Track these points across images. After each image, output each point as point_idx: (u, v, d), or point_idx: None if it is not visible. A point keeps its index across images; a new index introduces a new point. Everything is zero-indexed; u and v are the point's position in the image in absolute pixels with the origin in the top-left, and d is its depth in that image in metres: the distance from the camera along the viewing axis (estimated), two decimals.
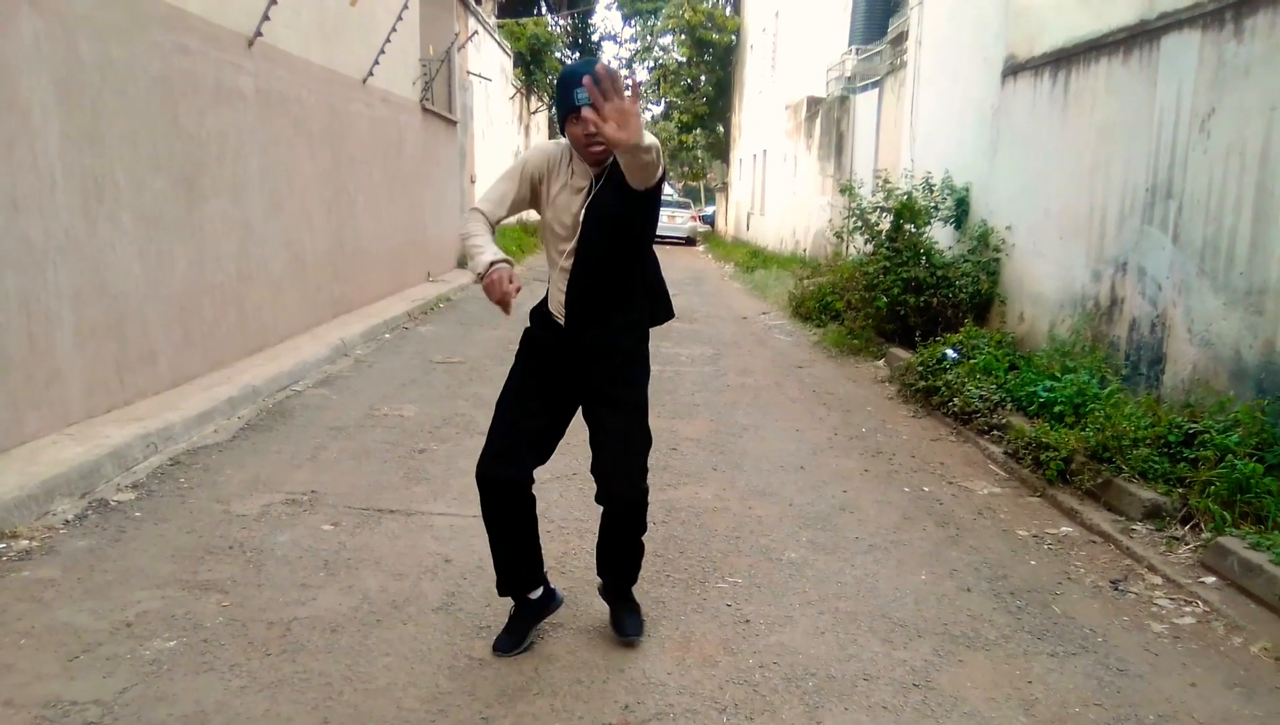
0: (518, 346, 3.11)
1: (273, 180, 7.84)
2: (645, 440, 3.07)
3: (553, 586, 3.27)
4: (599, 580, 3.33)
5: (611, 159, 2.78)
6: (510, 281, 2.69)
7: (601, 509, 3.11)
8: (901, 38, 11.88)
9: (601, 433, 3.01)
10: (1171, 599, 3.75)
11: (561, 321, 2.97)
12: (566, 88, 2.76)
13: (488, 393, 6.95)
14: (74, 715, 2.67)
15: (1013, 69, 7.89)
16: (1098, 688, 3.05)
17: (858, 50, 14.92)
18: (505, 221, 3.03)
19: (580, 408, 3.08)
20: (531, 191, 2.95)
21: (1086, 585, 3.88)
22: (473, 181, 17.63)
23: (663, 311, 3.21)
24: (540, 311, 3.08)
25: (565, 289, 2.94)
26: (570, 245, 2.89)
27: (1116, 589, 3.84)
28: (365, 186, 10.48)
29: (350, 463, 5.16)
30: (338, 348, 8.19)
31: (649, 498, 3.13)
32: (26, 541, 3.87)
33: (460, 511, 4.44)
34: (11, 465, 4.37)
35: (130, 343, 5.67)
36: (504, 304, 2.72)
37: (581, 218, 2.86)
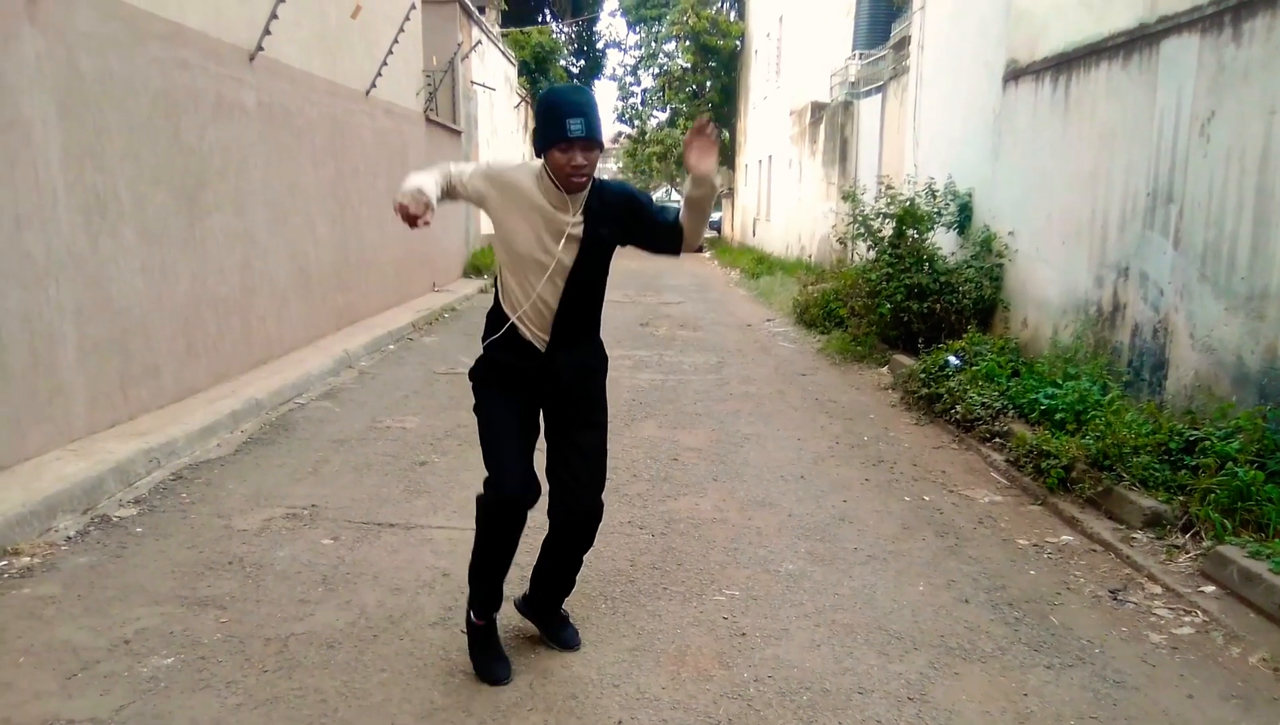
0: (479, 373, 3.03)
1: (276, 193, 7.88)
2: (605, 455, 3.13)
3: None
4: (518, 597, 3.35)
5: (589, 189, 2.83)
6: (417, 207, 2.66)
7: (551, 524, 3.07)
8: (904, 42, 11.88)
9: (575, 453, 3.02)
10: (1170, 609, 3.73)
11: (540, 347, 2.95)
12: (555, 114, 2.71)
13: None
14: None
15: (1014, 74, 7.88)
16: (1094, 700, 3.04)
17: (861, 55, 14.94)
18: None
19: (546, 428, 3.08)
20: (489, 195, 2.88)
21: (1085, 595, 3.86)
22: None
23: None
24: (508, 339, 2.96)
25: (553, 316, 2.91)
26: (549, 273, 2.85)
27: (1115, 599, 3.82)
28: (369, 197, 10.53)
29: (351, 476, 5.17)
30: (341, 359, 8.22)
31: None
32: (28, 558, 3.89)
33: (459, 524, 4.45)
34: (14, 481, 4.40)
35: (133, 357, 5.70)
36: (409, 221, 2.69)
37: (577, 251, 2.86)
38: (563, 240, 2.83)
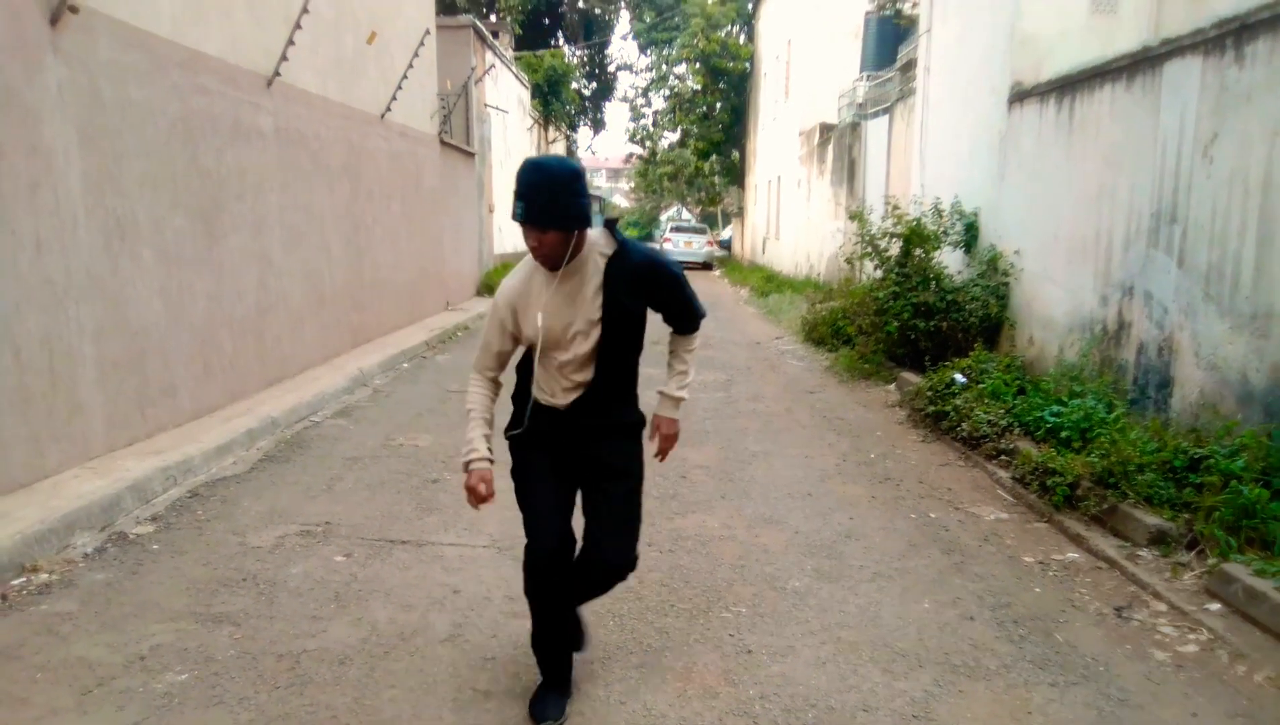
0: (512, 434, 3.01)
1: (292, 215, 8.00)
2: (640, 511, 3.05)
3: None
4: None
5: (612, 257, 2.79)
6: (486, 489, 2.87)
7: (577, 564, 2.99)
8: (911, 65, 11.97)
9: (604, 504, 2.95)
10: (1175, 626, 3.75)
11: (564, 411, 2.91)
12: (515, 192, 2.69)
13: (502, 422, 7.04)
14: None
15: (1019, 95, 7.95)
16: (1097, 718, 3.06)
17: (869, 77, 15.03)
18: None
19: (581, 486, 3.03)
20: (513, 336, 2.91)
21: (1090, 613, 3.89)
22: (491, 211, 17.83)
23: None
24: (535, 405, 2.95)
25: (582, 391, 2.88)
26: (573, 349, 2.82)
27: (1120, 616, 3.84)
28: (384, 219, 10.66)
29: (365, 493, 5.24)
30: (356, 378, 8.31)
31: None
32: (46, 575, 3.97)
33: (470, 542, 4.51)
34: (33, 499, 4.48)
35: (151, 377, 5.80)
36: (476, 502, 2.90)
37: (599, 321, 2.79)
38: (566, 303, 2.79)
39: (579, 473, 2.99)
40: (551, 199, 2.62)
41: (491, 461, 2.91)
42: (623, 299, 2.79)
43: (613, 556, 2.97)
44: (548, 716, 2.95)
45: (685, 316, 3.03)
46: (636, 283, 2.81)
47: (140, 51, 5.68)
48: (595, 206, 3.04)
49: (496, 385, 3.03)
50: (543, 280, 2.81)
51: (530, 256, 2.81)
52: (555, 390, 2.90)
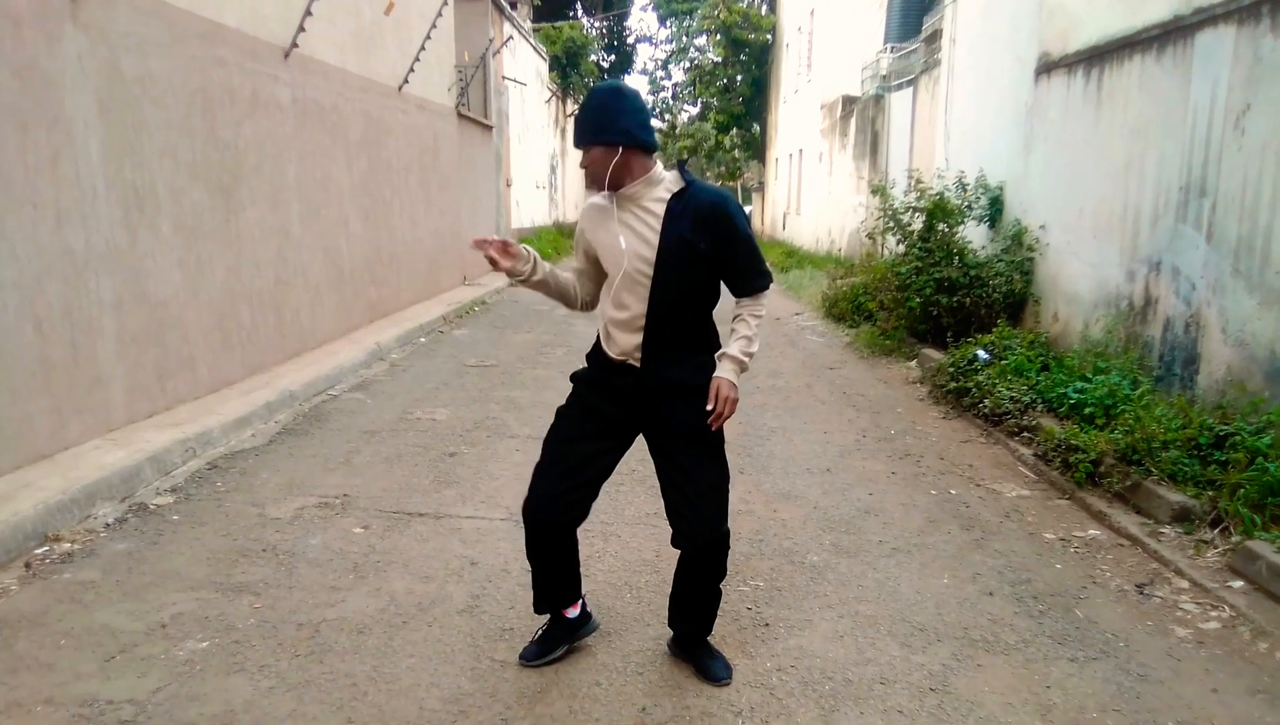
0: (577, 377, 2.99)
1: (310, 187, 8.00)
2: (725, 479, 2.92)
3: (589, 610, 3.25)
4: (670, 633, 3.19)
5: (678, 191, 2.76)
6: (491, 241, 2.79)
7: (679, 554, 2.94)
8: (936, 36, 11.80)
9: (679, 474, 2.84)
10: (1197, 603, 3.71)
11: (636, 364, 2.83)
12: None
13: (520, 396, 7.06)
14: (109, 714, 2.78)
15: (1046, 67, 7.81)
16: (1117, 693, 3.03)
17: (893, 48, 14.85)
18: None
19: (651, 451, 2.95)
20: (587, 245, 2.94)
21: (1111, 589, 3.85)
22: (508, 185, 17.78)
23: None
24: (602, 356, 2.92)
25: (643, 328, 2.79)
26: (633, 278, 2.78)
27: (1141, 593, 3.81)
28: (401, 192, 10.64)
29: (382, 466, 5.26)
30: (374, 352, 8.33)
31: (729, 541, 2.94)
32: (69, 544, 4.01)
33: (487, 514, 4.52)
34: (55, 470, 4.52)
35: (170, 349, 5.82)
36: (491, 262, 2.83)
37: (656, 253, 2.74)
38: (626, 242, 2.76)
39: (649, 441, 2.93)
40: (591, 116, 2.72)
41: (531, 262, 2.87)
42: (685, 235, 2.71)
43: (698, 530, 2.83)
44: (524, 655, 3.12)
45: (748, 273, 2.87)
46: (700, 222, 2.72)
47: (159, 23, 5.66)
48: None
49: (581, 293, 3.01)
50: (606, 208, 2.82)
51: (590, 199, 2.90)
52: (618, 336, 2.84)
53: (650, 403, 2.84)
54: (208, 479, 4.98)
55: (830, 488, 5.07)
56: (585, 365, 3.01)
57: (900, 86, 13.77)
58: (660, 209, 2.75)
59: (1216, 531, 4.21)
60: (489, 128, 15.85)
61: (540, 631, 3.18)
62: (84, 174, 4.98)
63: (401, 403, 6.81)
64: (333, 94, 8.47)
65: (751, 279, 2.89)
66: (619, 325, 2.83)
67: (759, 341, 2.89)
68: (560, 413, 3.00)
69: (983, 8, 9.75)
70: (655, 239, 2.73)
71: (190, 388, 6.04)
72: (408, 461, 5.35)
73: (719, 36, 29.71)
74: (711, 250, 2.76)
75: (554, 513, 2.89)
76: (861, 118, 16.29)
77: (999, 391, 6.22)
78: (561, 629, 3.17)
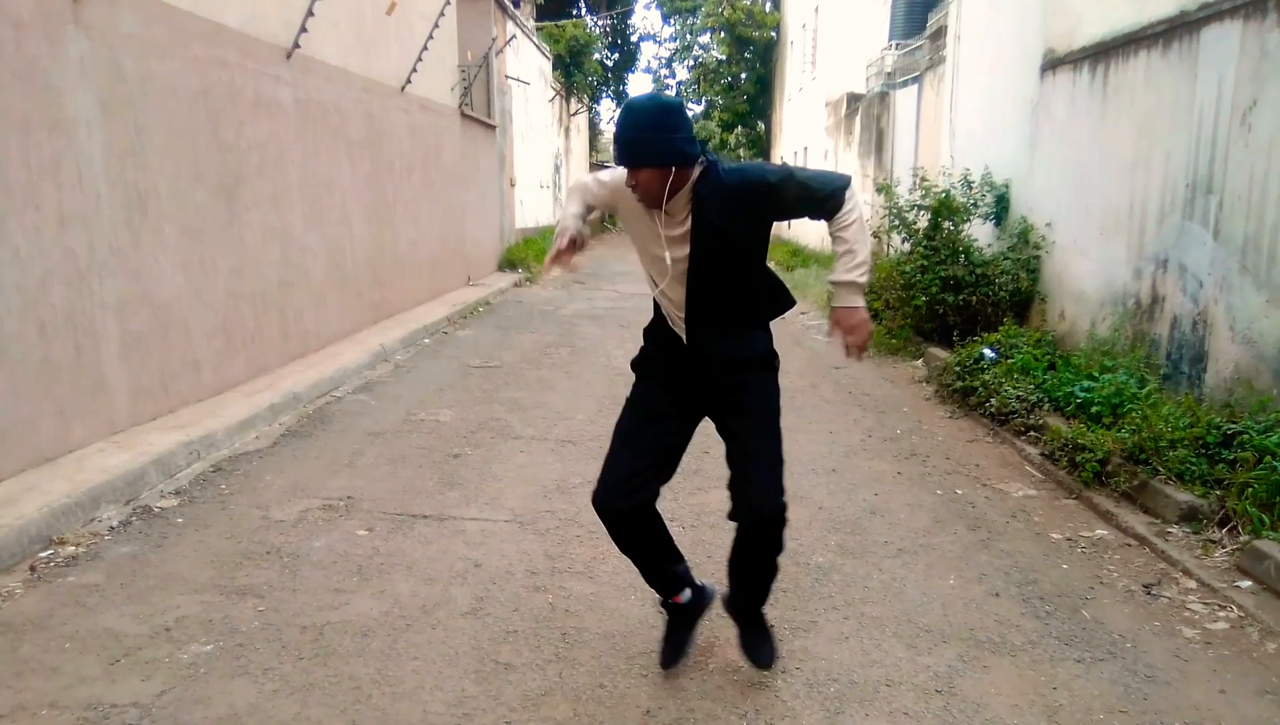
0: (637, 364, 3.02)
1: (313, 188, 7.99)
2: (779, 450, 2.87)
3: (701, 583, 3.18)
4: (724, 591, 3.18)
5: (697, 180, 2.70)
6: (567, 239, 2.84)
7: (735, 526, 2.91)
8: (941, 32, 11.75)
9: (735, 445, 2.85)
10: (1205, 604, 3.69)
11: (683, 336, 2.86)
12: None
13: (524, 397, 7.05)
14: (114, 717, 2.78)
15: (1051, 63, 7.78)
16: (1124, 694, 3.01)
17: (897, 45, 14.81)
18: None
19: (714, 424, 2.95)
20: (612, 202, 2.92)
21: (1118, 590, 3.83)
22: (512, 185, 17.77)
23: (781, 303, 2.99)
24: (657, 328, 2.97)
25: (685, 310, 2.81)
26: (670, 273, 2.78)
27: (1149, 593, 3.78)
28: (405, 192, 10.64)
29: (386, 468, 5.25)
30: (378, 353, 8.33)
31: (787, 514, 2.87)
32: (73, 547, 4.01)
33: (492, 516, 4.51)
34: (60, 473, 4.52)
35: (174, 351, 5.82)
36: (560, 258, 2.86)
37: (689, 247, 2.73)
38: (665, 241, 2.75)
39: (708, 411, 2.93)
40: (644, 138, 2.60)
41: (584, 221, 2.92)
42: (714, 220, 2.69)
43: (756, 502, 2.79)
44: (664, 664, 3.11)
45: (815, 203, 2.72)
46: (729, 204, 2.68)
47: (161, 24, 5.66)
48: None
49: (588, 205, 3.01)
50: (634, 197, 2.77)
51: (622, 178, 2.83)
52: (672, 316, 2.88)
53: (709, 377, 2.86)
54: (212, 481, 4.98)
55: (836, 488, 5.05)
56: (641, 348, 3.03)
57: (905, 84, 13.72)
58: (687, 198, 2.73)
59: (1224, 531, 4.18)
60: (492, 127, 15.84)
61: (666, 631, 3.15)
62: (86, 176, 4.97)
63: (405, 404, 6.81)
64: (335, 94, 8.47)
65: (822, 203, 2.72)
66: (670, 307, 2.89)
67: (865, 248, 2.72)
68: (627, 401, 3.00)
69: (988, 4, 9.71)
70: (686, 229, 2.73)
71: (194, 390, 6.04)
72: (412, 463, 5.35)
73: (723, 34, 29.63)
74: (754, 223, 2.75)
75: (617, 500, 2.85)
76: (866, 115, 16.25)
77: (1005, 390, 6.19)
78: (680, 618, 3.13)
